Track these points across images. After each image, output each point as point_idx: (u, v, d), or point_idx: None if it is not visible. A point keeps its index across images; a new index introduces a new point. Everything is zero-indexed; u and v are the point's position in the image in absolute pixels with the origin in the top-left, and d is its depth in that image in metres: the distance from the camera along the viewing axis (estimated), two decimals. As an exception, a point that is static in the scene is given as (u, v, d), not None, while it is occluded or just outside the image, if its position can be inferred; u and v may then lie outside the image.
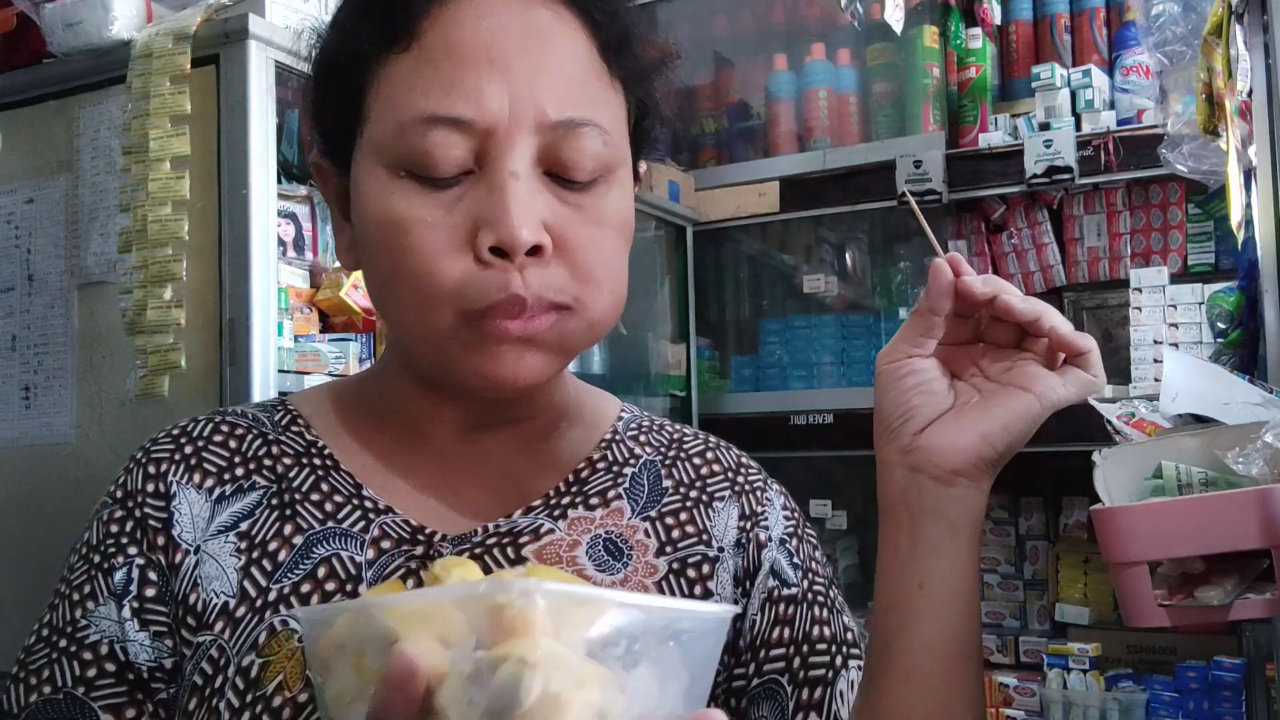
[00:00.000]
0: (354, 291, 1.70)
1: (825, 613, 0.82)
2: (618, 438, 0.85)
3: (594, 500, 0.80)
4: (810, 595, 0.82)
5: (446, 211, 0.67)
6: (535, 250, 0.67)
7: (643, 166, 0.81)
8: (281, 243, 1.67)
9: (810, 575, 0.83)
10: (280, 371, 1.59)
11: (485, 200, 0.67)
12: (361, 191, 0.71)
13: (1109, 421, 1.49)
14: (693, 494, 0.83)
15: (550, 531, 0.78)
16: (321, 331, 1.71)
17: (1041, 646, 2.81)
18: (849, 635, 0.82)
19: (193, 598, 0.73)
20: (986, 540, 3.08)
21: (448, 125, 0.66)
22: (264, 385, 1.55)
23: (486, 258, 0.66)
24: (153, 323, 1.59)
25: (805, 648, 0.80)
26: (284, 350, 1.61)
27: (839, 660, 0.80)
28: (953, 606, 0.68)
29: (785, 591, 0.81)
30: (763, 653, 0.79)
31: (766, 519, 0.84)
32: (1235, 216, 1.76)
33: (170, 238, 1.59)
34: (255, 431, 0.80)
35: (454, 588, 0.46)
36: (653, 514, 0.81)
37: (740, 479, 0.86)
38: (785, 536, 0.84)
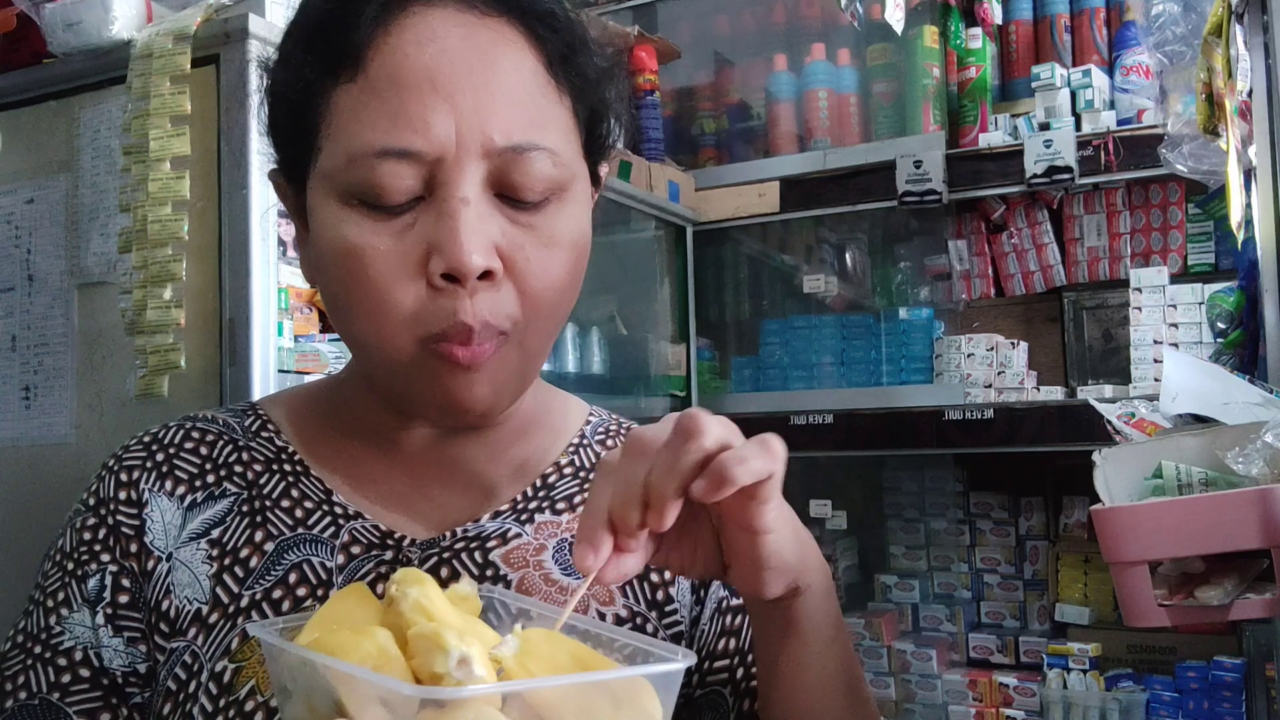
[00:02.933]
0: (354, 291, 1.70)
1: None
2: (585, 442, 0.85)
3: (560, 505, 0.81)
4: None
5: (399, 238, 0.68)
6: (486, 275, 0.67)
7: (604, 169, 0.81)
8: (281, 243, 1.66)
9: None
10: (280, 371, 1.59)
11: (436, 226, 0.67)
12: (316, 218, 0.72)
13: (1109, 421, 1.49)
14: None
15: (517, 536, 0.78)
16: (321, 331, 1.71)
17: (1041, 646, 2.82)
18: None
19: (165, 604, 0.74)
20: (987, 540, 3.08)
21: (397, 157, 0.67)
22: (264, 385, 1.55)
23: (438, 284, 0.67)
24: (153, 323, 1.59)
25: (750, 658, 0.80)
26: (284, 350, 1.61)
27: None
28: (797, 682, 0.70)
29: (733, 602, 0.82)
30: (707, 664, 0.80)
31: None
32: (1235, 216, 1.76)
33: (170, 238, 1.59)
34: (226, 438, 0.81)
35: (391, 681, 0.47)
36: None
37: None
38: None
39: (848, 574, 3.21)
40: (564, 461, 0.83)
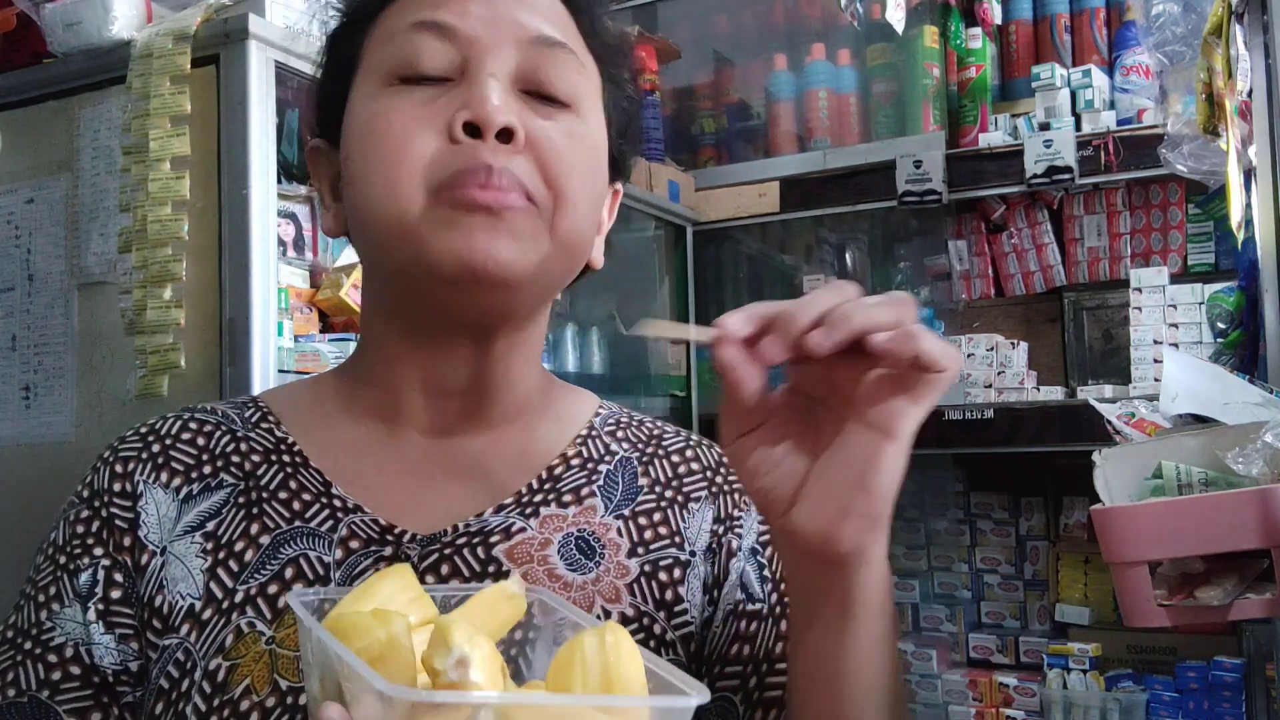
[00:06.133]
0: (354, 291, 1.70)
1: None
2: (594, 434, 0.83)
3: (567, 498, 0.78)
4: (777, 610, 0.78)
5: (426, 104, 0.71)
6: (508, 137, 0.69)
7: (629, 164, 0.85)
8: (281, 243, 1.66)
9: (779, 589, 0.79)
10: (280, 371, 1.59)
11: (464, 94, 0.70)
12: (352, 116, 0.74)
13: (1109, 421, 1.49)
14: (668, 494, 0.80)
15: (522, 530, 0.76)
16: (321, 331, 1.71)
17: (1041, 646, 2.81)
18: None
19: (158, 600, 0.72)
20: (987, 540, 3.08)
21: (433, 30, 0.71)
22: (264, 385, 1.55)
23: (458, 135, 0.69)
24: (153, 323, 1.59)
25: (765, 666, 0.76)
26: (284, 350, 1.61)
27: None
28: (848, 684, 0.64)
29: (750, 607, 0.78)
30: (718, 668, 0.76)
31: (741, 524, 0.80)
32: (1235, 216, 1.76)
33: (170, 238, 1.59)
34: (224, 428, 0.79)
35: (372, 675, 0.45)
36: (626, 513, 0.78)
37: (719, 479, 0.82)
38: (759, 546, 0.80)
39: (848, 574, 3.21)
40: (571, 453, 0.80)
